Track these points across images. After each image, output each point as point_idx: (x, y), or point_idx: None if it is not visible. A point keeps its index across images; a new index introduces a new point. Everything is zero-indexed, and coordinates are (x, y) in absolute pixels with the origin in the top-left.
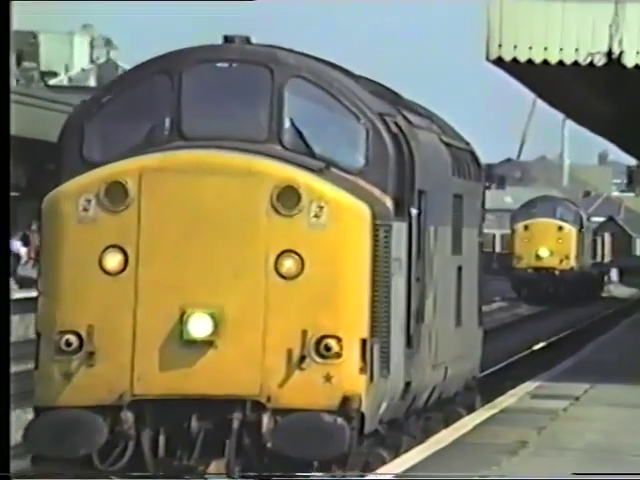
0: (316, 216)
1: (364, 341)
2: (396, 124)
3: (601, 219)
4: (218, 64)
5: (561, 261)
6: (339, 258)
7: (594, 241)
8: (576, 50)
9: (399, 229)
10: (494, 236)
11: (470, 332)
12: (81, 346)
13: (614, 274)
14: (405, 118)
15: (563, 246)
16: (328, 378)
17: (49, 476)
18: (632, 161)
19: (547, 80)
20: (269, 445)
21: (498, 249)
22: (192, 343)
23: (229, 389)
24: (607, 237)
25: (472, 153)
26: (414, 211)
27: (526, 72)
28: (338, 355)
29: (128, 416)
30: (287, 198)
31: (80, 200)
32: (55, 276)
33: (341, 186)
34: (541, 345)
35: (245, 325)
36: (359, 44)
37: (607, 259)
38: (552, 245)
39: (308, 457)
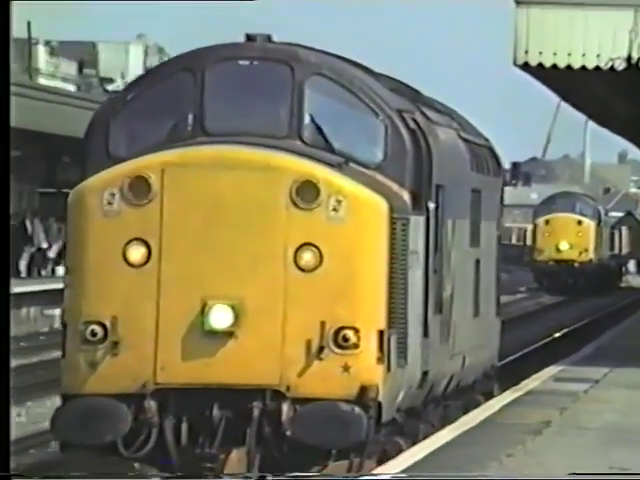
0: (334, 210)
1: (381, 332)
2: (414, 120)
3: (620, 214)
4: (240, 62)
5: (580, 254)
6: (357, 251)
7: (612, 234)
8: (597, 56)
9: (416, 223)
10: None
11: (488, 322)
12: (106, 336)
13: (632, 266)
14: (424, 114)
15: (582, 239)
16: (346, 368)
17: (49, 476)
18: None
19: (570, 84)
20: (288, 433)
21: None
22: (213, 334)
23: (249, 379)
24: (625, 231)
25: (491, 149)
26: (432, 205)
27: (551, 76)
28: (356, 346)
29: (151, 404)
30: (306, 192)
31: (105, 194)
32: (80, 268)
33: (359, 181)
34: (563, 332)
35: (265, 316)
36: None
37: (625, 251)
38: (572, 238)
39: (326, 445)
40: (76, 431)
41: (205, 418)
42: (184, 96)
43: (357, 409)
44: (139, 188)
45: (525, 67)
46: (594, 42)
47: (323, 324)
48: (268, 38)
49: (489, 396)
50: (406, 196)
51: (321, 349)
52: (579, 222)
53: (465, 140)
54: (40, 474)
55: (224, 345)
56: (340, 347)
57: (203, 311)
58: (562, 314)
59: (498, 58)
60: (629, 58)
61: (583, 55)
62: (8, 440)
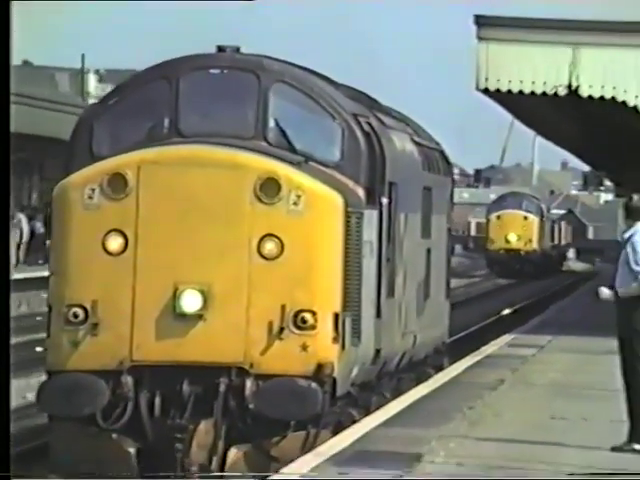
0: (294, 204)
1: (336, 315)
2: (369, 124)
3: (562, 211)
4: (211, 70)
5: (525, 244)
6: (315, 242)
7: (552, 228)
8: (544, 83)
9: (370, 216)
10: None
11: (438, 305)
12: (86, 318)
13: (572, 253)
14: (379, 119)
15: (527, 232)
16: (304, 347)
17: (49, 476)
18: (586, 168)
19: (522, 105)
20: (251, 407)
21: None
22: (184, 316)
23: (216, 357)
24: (565, 225)
25: (442, 152)
26: (385, 200)
27: (506, 99)
28: (313, 327)
29: (128, 380)
30: (268, 188)
31: (85, 189)
32: (64, 256)
33: (318, 178)
34: (513, 308)
35: (231, 300)
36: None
37: (564, 242)
38: (518, 231)
39: (286, 417)
40: (59, 404)
41: (176, 393)
42: (161, 101)
43: (313, 384)
44: (117, 184)
45: (485, 91)
46: (541, 72)
47: (283, 307)
48: (237, 49)
49: (439, 369)
50: (361, 192)
51: (281, 330)
52: (525, 217)
53: (417, 143)
54: (40, 474)
55: (193, 326)
56: (299, 328)
57: (175, 295)
58: (513, 293)
59: (463, 84)
60: (569, 86)
61: (532, 82)
62: (8, 440)
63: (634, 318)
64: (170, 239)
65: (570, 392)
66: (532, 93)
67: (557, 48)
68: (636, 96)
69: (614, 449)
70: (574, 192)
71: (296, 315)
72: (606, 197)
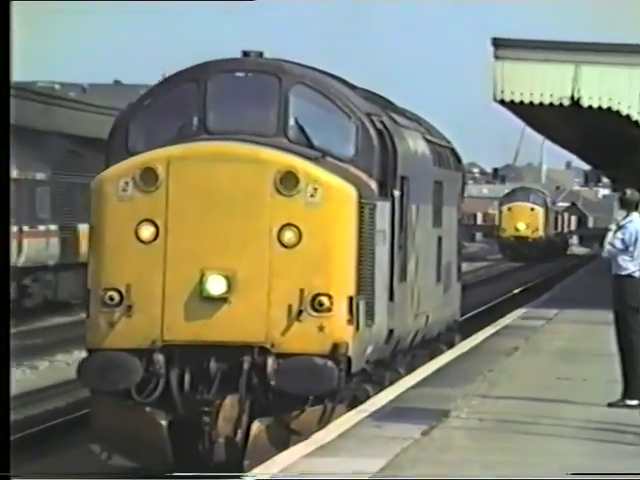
0: (312, 196)
1: (351, 298)
2: (382, 122)
3: (567, 204)
4: (237, 73)
5: (533, 232)
6: (330, 230)
7: (556, 218)
8: (551, 95)
9: (383, 207)
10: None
11: (450, 287)
12: (121, 301)
13: (575, 239)
14: (392, 119)
15: (534, 221)
16: (321, 328)
17: (49, 476)
18: (587, 167)
19: (533, 114)
20: (272, 383)
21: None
22: (210, 299)
23: (240, 337)
24: (568, 215)
25: (453, 150)
26: (397, 193)
27: (519, 109)
28: (329, 310)
29: (159, 358)
30: (288, 181)
31: (120, 182)
32: (100, 244)
33: (334, 172)
34: (524, 287)
35: (253, 285)
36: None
37: (568, 230)
38: (526, 220)
39: (304, 393)
40: (96, 379)
41: (203, 370)
42: (190, 102)
43: (330, 363)
44: (148, 177)
45: (501, 102)
46: (548, 86)
47: (302, 291)
48: (260, 54)
49: (451, 345)
50: (374, 185)
51: (300, 312)
52: (532, 209)
53: (429, 141)
54: (40, 474)
55: (219, 309)
56: (316, 311)
57: (201, 280)
58: (524, 274)
59: (484, 95)
60: (572, 97)
61: (541, 95)
62: (8, 440)
63: (626, 294)
64: (197, 228)
65: (573, 357)
66: (540, 104)
67: (562, 66)
68: (629, 106)
69: (610, 405)
70: (576, 188)
71: (313, 299)
72: (604, 192)
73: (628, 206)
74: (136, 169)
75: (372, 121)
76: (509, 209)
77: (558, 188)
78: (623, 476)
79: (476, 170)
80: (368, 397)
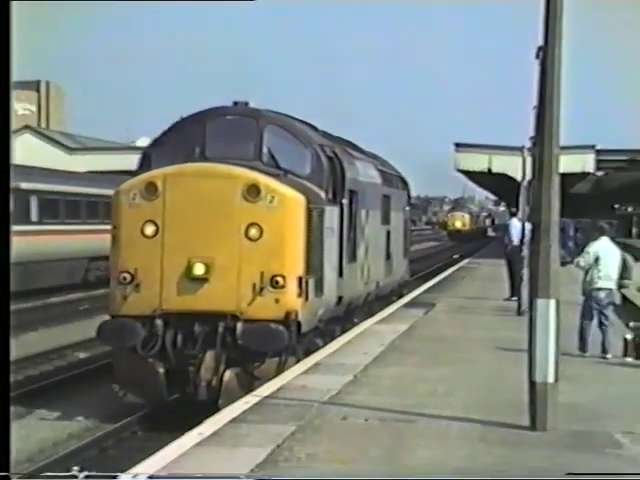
0: (270, 202)
1: (300, 278)
2: (333, 151)
3: (486, 214)
4: (227, 117)
5: (463, 226)
6: (284, 228)
7: (477, 220)
8: (481, 168)
9: (332, 210)
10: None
11: (397, 262)
12: (132, 280)
13: (490, 231)
14: (346, 151)
15: (464, 221)
16: (277, 300)
17: (49, 476)
18: (494, 198)
19: (471, 175)
20: (240, 342)
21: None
22: (195, 279)
23: (217, 307)
24: (485, 219)
25: (401, 177)
26: (345, 201)
27: (466, 173)
28: (283, 287)
29: (158, 323)
30: (252, 191)
31: (130, 193)
32: (118, 239)
33: (292, 185)
34: (461, 254)
35: (227, 269)
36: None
37: (484, 226)
38: (460, 221)
39: (263, 349)
40: (111, 338)
41: (191, 331)
42: (195, 137)
43: (281, 327)
44: (151, 189)
45: (459, 170)
46: (478, 164)
47: (263, 273)
48: (246, 103)
49: (401, 296)
50: (323, 195)
51: (261, 289)
52: (462, 215)
53: (379, 170)
54: (40, 474)
55: (202, 286)
56: (273, 287)
57: (189, 265)
58: (461, 247)
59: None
60: (489, 169)
61: (474, 167)
62: (8, 440)
63: (512, 251)
64: (186, 227)
65: (490, 278)
66: (475, 172)
67: (483, 156)
68: (514, 173)
69: (505, 300)
70: (490, 206)
71: (271, 279)
72: (502, 208)
73: (510, 215)
74: (142, 183)
75: (323, 149)
76: (452, 215)
77: (482, 207)
78: (624, 476)
79: (446, 198)
80: (318, 349)
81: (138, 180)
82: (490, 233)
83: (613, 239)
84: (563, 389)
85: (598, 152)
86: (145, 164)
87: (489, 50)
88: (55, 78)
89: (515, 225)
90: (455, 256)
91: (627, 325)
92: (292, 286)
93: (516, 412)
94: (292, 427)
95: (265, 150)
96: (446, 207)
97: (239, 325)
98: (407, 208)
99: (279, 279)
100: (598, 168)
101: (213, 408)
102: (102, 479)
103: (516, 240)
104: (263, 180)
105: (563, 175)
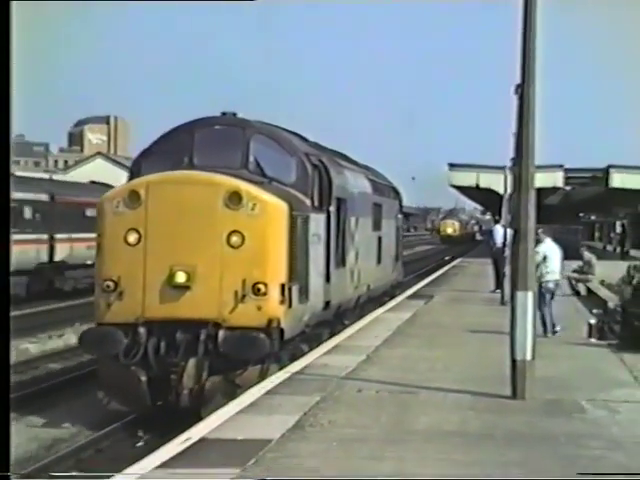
0: (252, 209)
1: (283, 285)
2: (318, 160)
3: (474, 221)
4: (215, 127)
5: (454, 232)
6: (266, 235)
7: (466, 227)
8: (469, 183)
9: (317, 218)
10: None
11: (389, 265)
12: (115, 288)
13: (478, 235)
14: (334, 160)
15: (455, 228)
16: (259, 308)
17: (49, 476)
18: (481, 208)
19: (463, 189)
20: (222, 350)
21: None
22: (177, 287)
23: (199, 315)
24: (474, 225)
25: (393, 187)
26: (332, 208)
27: (459, 188)
28: (265, 294)
29: (141, 330)
30: (234, 199)
31: (114, 201)
32: (102, 246)
33: (276, 192)
34: (452, 255)
35: (209, 276)
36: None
37: (472, 231)
38: (451, 227)
39: (245, 357)
40: (93, 346)
41: (173, 339)
42: (184, 146)
43: (262, 334)
44: (133, 198)
45: (452, 186)
46: (468, 180)
47: (244, 281)
48: (233, 114)
49: (393, 296)
50: (308, 202)
51: (243, 296)
52: (453, 222)
53: (370, 179)
54: (40, 474)
55: (184, 294)
56: (255, 295)
57: (171, 273)
58: (452, 250)
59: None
60: (477, 185)
61: (464, 183)
62: (8, 440)
63: (496, 251)
64: (168, 234)
65: (478, 274)
66: (466, 187)
67: (471, 174)
68: (497, 188)
69: (491, 292)
70: (478, 215)
71: (253, 286)
72: (488, 216)
73: (494, 222)
74: (125, 192)
75: (309, 158)
76: (444, 222)
77: (472, 216)
78: (631, 476)
79: (441, 209)
80: (304, 354)
81: (122, 188)
82: (478, 237)
83: (556, 241)
84: (539, 365)
85: (566, 170)
86: (135, 173)
87: (475, 89)
88: (120, 113)
89: (498, 230)
90: (446, 258)
91: (591, 312)
92: (274, 293)
93: (500, 384)
94: (316, 398)
95: (252, 159)
96: (441, 216)
97: (221, 333)
98: (399, 216)
99: (261, 286)
100: (566, 183)
101: (196, 415)
102: (99, 479)
103: (499, 243)
104: (245, 187)
105: (538, 189)
